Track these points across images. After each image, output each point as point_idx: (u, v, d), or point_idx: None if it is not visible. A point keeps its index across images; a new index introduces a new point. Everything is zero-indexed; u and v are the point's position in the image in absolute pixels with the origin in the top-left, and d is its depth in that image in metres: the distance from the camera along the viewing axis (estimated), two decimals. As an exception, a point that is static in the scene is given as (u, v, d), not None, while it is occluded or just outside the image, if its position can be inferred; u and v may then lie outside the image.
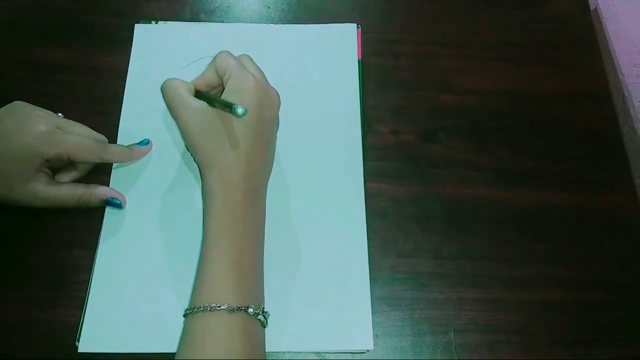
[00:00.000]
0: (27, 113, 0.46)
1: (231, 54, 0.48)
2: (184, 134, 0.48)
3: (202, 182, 0.47)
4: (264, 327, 0.42)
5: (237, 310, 0.40)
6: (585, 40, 0.61)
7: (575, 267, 0.50)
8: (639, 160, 0.58)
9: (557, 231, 0.51)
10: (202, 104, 0.47)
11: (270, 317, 0.44)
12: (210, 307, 0.39)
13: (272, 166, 0.50)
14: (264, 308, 0.42)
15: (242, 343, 0.39)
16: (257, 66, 0.49)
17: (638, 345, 0.47)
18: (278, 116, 0.50)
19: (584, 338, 0.47)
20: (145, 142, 0.52)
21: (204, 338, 0.39)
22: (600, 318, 0.48)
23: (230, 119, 0.45)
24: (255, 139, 0.45)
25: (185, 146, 0.51)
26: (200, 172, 0.48)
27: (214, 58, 0.48)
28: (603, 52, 0.62)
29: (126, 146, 0.51)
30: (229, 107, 0.43)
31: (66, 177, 0.49)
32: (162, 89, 0.49)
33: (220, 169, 0.45)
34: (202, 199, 0.47)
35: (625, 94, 0.60)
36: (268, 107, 0.47)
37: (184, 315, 0.42)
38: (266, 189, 0.48)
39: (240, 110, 0.42)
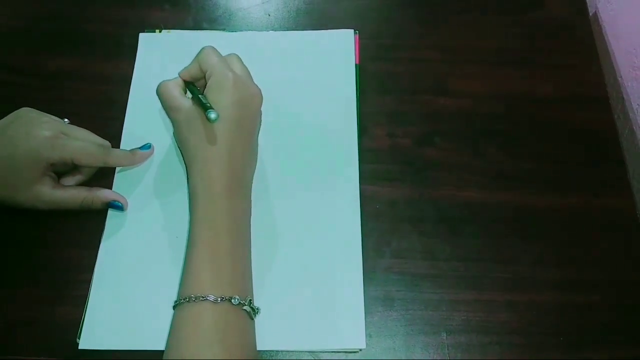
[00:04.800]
0: (33, 119, 0.48)
1: (215, 51, 0.49)
2: (175, 133, 0.51)
3: (187, 178, 0.49)
4: (252, 318, 0.43)
5: (221, 300, 0.41)
6: (583, 44, 0.61)
7: (569, 269, 0.50)
8: (638, 162, 0.58)
9: (552, 233, 0.51)
10: (189, 104, 0.49)
11: (264, 316, 0.45)
12: (196, 298, 0.41)
13: (256, 161, 0.51)
14: (251, 300, 0.43)
15: (226, 333, 0.40)
16: (244, 65, 0.51)
17: (632, 347, 0.47)
18: (261, 113, 0.51)
19: (577, 340, 0.47)
20: (147, 147, 0.54)
21: (188, 328, 0.41)
22: (594, 320, 0.48)
23: None
24: (236, 134, 0.47)
25: (178, 146, 0.53)
26: (186, 169, 0.49)
27: (199, 53, 0.50)
28: (602, 56, 0.62)
29: (129, 150, 0.53)
30: (204, 109, 0.45)
31: (71, 180, 0.51)
32: (157, 92, 0.51)
33: (203, 164, 0.46)
34: (188, 194, 0.49)
35: (624, 96, 0.60)
36: (248, 104, 0.48)
37: (173, 307, 0.43)
38: (251, 184, 0.50)
39: (212, 116, 0.44)
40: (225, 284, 0.42)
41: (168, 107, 0.50)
